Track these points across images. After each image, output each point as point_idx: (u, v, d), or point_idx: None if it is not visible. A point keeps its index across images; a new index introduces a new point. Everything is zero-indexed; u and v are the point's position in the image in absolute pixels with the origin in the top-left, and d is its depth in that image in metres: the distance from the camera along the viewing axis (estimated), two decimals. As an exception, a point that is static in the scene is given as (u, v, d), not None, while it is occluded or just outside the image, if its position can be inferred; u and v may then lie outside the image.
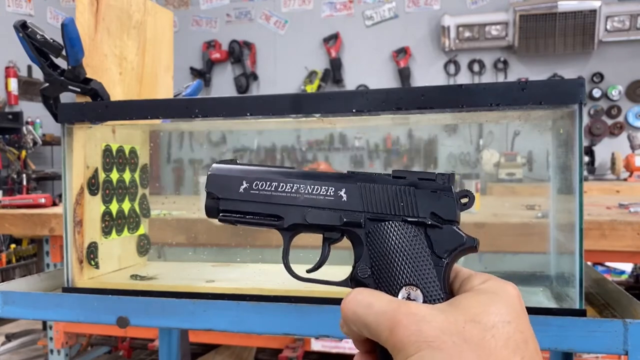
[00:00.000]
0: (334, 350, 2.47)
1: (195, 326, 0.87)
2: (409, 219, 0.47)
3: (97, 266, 1.03)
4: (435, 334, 0.37)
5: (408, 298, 0.44)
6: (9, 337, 3.34)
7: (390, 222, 0.48)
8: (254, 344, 2.66)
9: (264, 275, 1.03)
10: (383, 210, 0.49)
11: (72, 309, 0.92)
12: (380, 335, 0.40)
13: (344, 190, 0.51)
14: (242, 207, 0.55)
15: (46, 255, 2.49)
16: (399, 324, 0.39)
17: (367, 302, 0.42)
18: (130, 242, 1.16)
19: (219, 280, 1.00)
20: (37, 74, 4.92)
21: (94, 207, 1.03)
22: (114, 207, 1.09)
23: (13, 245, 4.13)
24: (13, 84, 4.78)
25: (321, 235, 0.53)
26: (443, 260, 0.45)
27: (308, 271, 0.54)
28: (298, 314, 0.82)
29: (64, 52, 0.98)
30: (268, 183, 0.54)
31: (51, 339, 2.56)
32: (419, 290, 0.44)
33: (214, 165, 0.57)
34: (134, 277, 1.05)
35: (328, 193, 0.52)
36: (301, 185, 0.53)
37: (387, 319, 0.39)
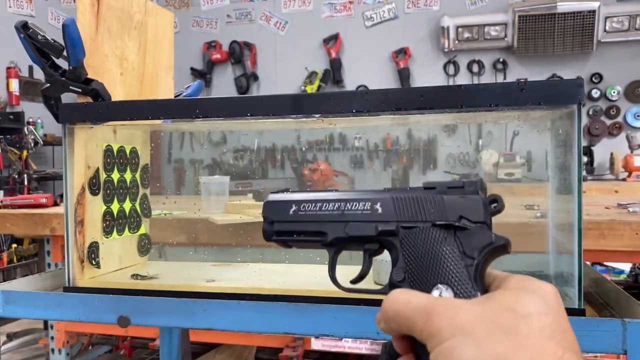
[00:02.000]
0: (334, 349, 2.48)
1: (196, 325, 0.87)
2: (438, 223, 0.50)
3: (98, 266, 1.03)
4: (469, 320, 0.38)
5: (440, 296, 0.46)
6: (10, 337, 3.34)
7: (421, 227, 0.51)
8: (254, 343, 2.67)
9: (264, 274, 1.04)
10: (414, 217, 0.52)
11: (73, 309, 0.93)
12: (416, 327, 0.40)
13: (379, 203, 0.56)
14: (292, 228, 0.61)
15: (47, 255, 2.49)
16: (434, 313, 0.39)
17: (406, 299, 0.42)
18: (131, 242, 1.16)
19: (220, 279, 1.00)
20: (39, 74, 4.92)
21: (95, 207, 1.04)
22: (115, 207, 1.10)
23: (14, 245, 4.13)
24: (14, 85, 4.78)
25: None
26: (474, 259, 0.47)
27: (352, 282, 0.59)
28: (298, 313, 0.83)
29: (65, 53, 0.99)
30: (313, 204, 0.60)
31: (52, 338, 2.57)
32: (450, 289, 0.46)
33: (270, 194, 0.64)
34: (135, 276, 1.05)
35: (365, 208, 0.56)
36: (342, 204, 0.58)
37: (424, 310, 0.40)
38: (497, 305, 0.39)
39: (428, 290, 0.46)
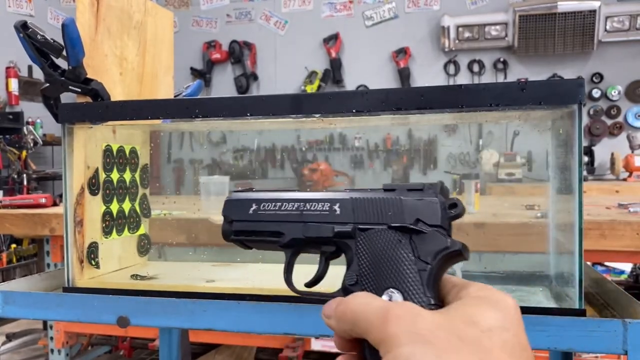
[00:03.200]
0: (333, 350, 2.47)
1: (196, 326, 0.87)
2: (393, 225, 0.49)
3: (97, 266, 1.03)
4: (429, 328, 0.37)
5: (390, 300, 0.44)
6: (10, 337, 3.34)
7: (377, 229, 0.50)
8: (254, 343, 2.67)
9: (264, 275, 1.04)
10: (371, 219, 0.51)
11: (72, 309, 0.92)
12: (371, 329, 0.39)
13: (338, 204, 0.54)
14: (251, 227, 0.59)
15: (47, 255, 2.49)
16: (393, 316, 0.38)
17: (365, 301, 0.42)
18: (130, 242, 1.16)
19: (219, 280, 1.00)
20: (38, 74, 4.92)
21: (95, 207, 1.04)
22: (114, 207, 1.09)
23: (14, 245, 4.13)
24: (14, 84, 4.77)
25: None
26: (428, 264, 0.46)
27: (306, 285, 0.57)
28: (298, 313, 0.83)
29: (64, 53, 0.99)
30: (273, 204, 0.58)
31: (52, 338, 2.57)
32: (399, 293, 0.44)
33: (232, 193, 0.62)
34: (135, 276, 1.05)
35: (324, 208, 0.55)
36: (301, 204, 0.56)
37: (382, 313, 0.39)
38: (459, 316, 0.38)
39: (379, 294, 0.45)
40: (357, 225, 0.52)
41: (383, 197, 0.52)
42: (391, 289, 0.45)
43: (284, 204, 0.57)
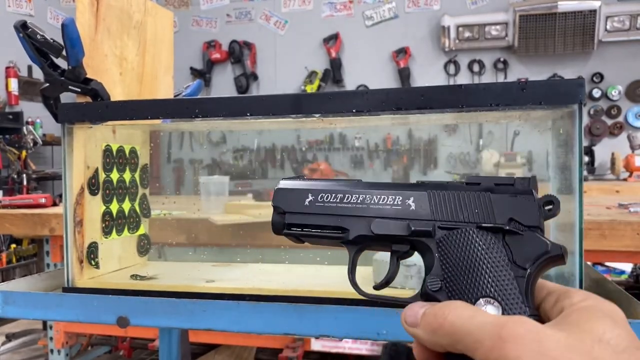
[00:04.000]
0: (333, 350, 2.47)
1: (196, 326, 0.87)
2: (484, 225, 0.44)
3: (97, 266, 1.03)
4: (559, 349, 0.33)
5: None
6: (9, 337, 3.34)
7: (464, 229, 0.44)
8: (254, 343, 2.66)
9: (264, 275, 1.03)
10: (455, 217, 0.45)
11: (72, 309, 0.92)
12: (481, 346, 0.35)
13: (412, 198, 0.48)
14: (307, 221, 0.53)
15: (46, 255, 2.49)
16: (511, 335, 0.34)
17: (468, 314, 0.37)
18: (130, 242, 1.16)
19: (219, 280, 1.00)
20: (38, 74, 4.92)
21: (94, 207, 1.03)
22: (114, 207, 1.09)
23: (13, 245, 4.13)
24: (13, 84, 4.77)
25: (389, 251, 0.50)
26: (525, 270, 0.41)
27: (375, 287, 0.51)
28: (298, 314, 0.82)
29: (64, 52, 0.98)
30: (334, 195, 0.52)
31: (51, 338, 2.56)
32: (497, 303, 0.40)
33: (281, 180, 0.56)
34: (134, 277, 1.05)
35: (395, 202, 0.49)
36: (367, 196, 0.50)
37: (497, 329, 0.35)
38: (587, 335, 0.34)
39: (470, 303, 0.40)
40: (437, 223, 0.46)
41: (467, 193, 0.46)
42: (487, 299, 0.40)
43: (347, 195, 0.51)
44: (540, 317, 0.40)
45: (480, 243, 0.43)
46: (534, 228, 0.43)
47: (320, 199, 0.52)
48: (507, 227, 0.43)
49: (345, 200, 0.51)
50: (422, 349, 0.40)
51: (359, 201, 0.50)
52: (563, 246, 0.43)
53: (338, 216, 0.51)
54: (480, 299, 0.40)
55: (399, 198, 0.48)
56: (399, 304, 0.47)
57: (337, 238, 0.51)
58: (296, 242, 0.55)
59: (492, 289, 0.40)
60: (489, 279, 0.41)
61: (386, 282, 0.50)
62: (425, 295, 0.44)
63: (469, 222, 0.44)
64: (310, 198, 0.52)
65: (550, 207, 0.45)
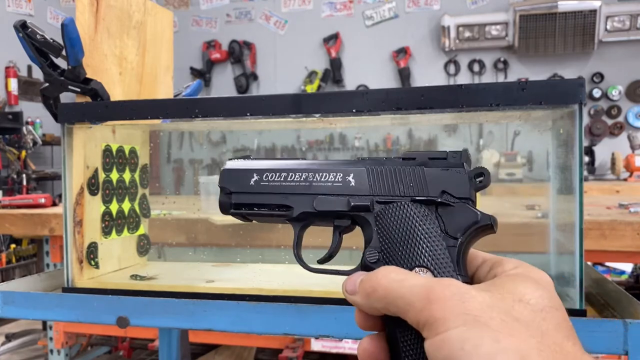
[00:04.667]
0: (333, 350, 2.47)
1: (196, 326, 0.87)
2: (418, 198, 0.45)
3: (97, 266, 1.03)
4: (481, 309, 0.34)
5: None
6: (9, 337, 3.34)
7: (399, 203, 0.46)
8: (254, 344, 2.66)
9: (264, 275, 1.03)
10: (391, 192, 0.47)
11: (72, 309, 0.92)
12: (410, 309, 0.37)
13: (352, 175, 0.50)
14: (253, 200, 0.54)
15: (46, 255, 2.49)
16: (438, 296, 0.35)
17: (400, 277, 0.39)
18: (130, 242, 1.16)
19: (219, 280, 1.00)
20: (37, 74, 4.92)
21: (94, 207, 1.03)
22: (114, 207, 1.09)
23: (13, 245, 4.13)
24: (13, 84, 4.78)
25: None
26: (457, 240, 0.43)
27: (319, 261, 0.53)
28: (298, 314, 0.82)
29: (64, 52, 0.98)
30: (278, 174, 0.53)
31: (51, 339, 2.56)
32: (429, 273, 0.42)
33: (228, 161, 0.57)
34: (134, 277, 1.05)
35: (336, 179, 0.50)
36: (310, 174, 0.52)
37: (425, 291, 0.36)
38: (509, 295, 0.36)
39: None
40: (375, 198, 0.48)
41: (403, 168, 0.48)
42: (421, 268, 0.42)
43: (290, 174, 0.52)
44: (474, 284, 0.42)
45: (414, 215, 0.45)
46: (465, 199, 0.45)
47: (265, 178, 0.54)
48: (439, 200, 0.45)
49: (289, 179, 0.53)
50: (361, 315, 0.42)
51: (302, 179, 0.52)
52: (492, 216, 0.45)
53: (282, 194, 0.53)
54: (415, 268, 0.42)
55: (339, 175, 0.50)
56: (340, 274, 0.49)
57: (282, 216, 0.53)
58: (244, 221, 0.57)
59: (425, 259, 0.42)
60: (423, 249, 0.43)
61: (329, 256, 0.52)
62: (365, 266, 0.45)
63: (404, 196, 0.46)
64: (256, 178, 0.54)
65: (481, 178, 0.46)
